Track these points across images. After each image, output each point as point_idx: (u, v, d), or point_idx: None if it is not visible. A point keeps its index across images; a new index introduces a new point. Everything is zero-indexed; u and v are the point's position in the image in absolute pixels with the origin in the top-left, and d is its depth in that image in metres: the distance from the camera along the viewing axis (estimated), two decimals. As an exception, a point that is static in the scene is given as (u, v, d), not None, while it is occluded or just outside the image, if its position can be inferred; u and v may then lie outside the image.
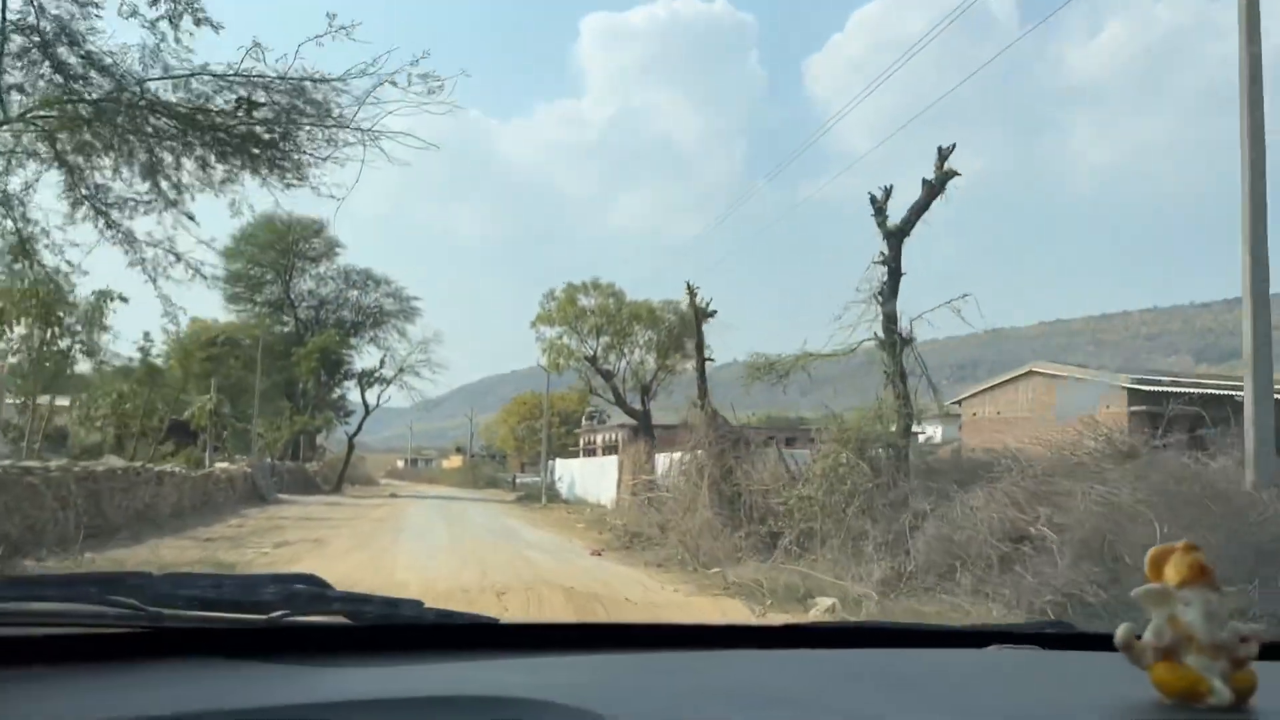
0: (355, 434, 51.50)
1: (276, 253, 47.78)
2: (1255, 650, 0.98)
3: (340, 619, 1.33)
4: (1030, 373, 28.90)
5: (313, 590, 1.36)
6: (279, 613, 1.25)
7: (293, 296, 49.32)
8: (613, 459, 39.49)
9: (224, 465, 30.59)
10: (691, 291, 18.31)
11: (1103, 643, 1.22)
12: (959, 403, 31.67)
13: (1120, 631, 1.01)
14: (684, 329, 31.41)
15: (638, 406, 33.96)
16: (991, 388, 30.79)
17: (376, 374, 48.75)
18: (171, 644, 1.20)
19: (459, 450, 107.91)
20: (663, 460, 24.00)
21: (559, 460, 49.32)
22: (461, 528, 23.16)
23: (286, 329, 49.09)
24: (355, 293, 50.84)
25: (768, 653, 1.52)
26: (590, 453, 50.71)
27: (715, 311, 18.12)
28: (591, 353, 34.03)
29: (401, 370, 49.15)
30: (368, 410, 49.55)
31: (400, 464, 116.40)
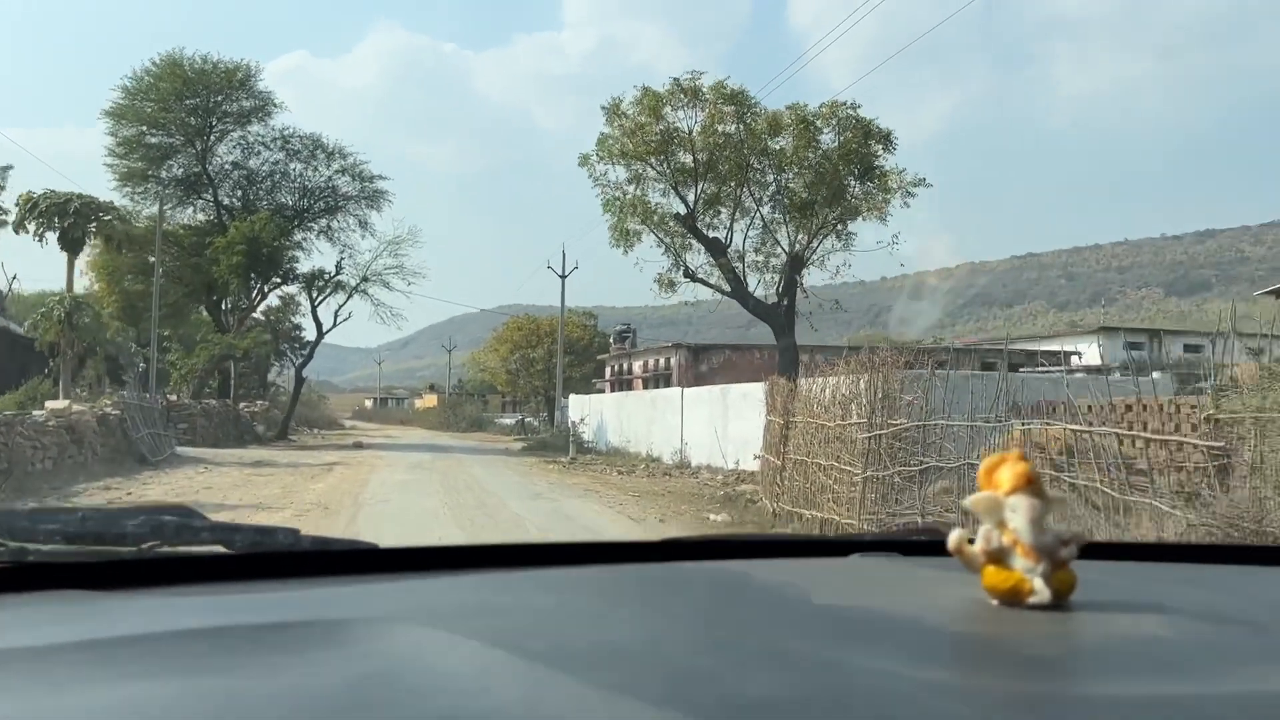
0: (304, 364, 38.52)
1: (186, 110, 34.00)
2: (1075, 552, 1.04)
3: (214, 548, 1.27)
4: None
5: (180, 520, 1.28)
6: (148, 544, 1.21)
7: (210, 171, 34.97)
8: (674, 391, 27.35)
9: (57, 405, 17.84)
10: None
11: None
12: None
13: (953, 537, 1.08)
14: (864, 148, 18.43)
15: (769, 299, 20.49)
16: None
17: (330, 279, 35.37)
18: (36, 578, 1.14)
19: (432, 388, 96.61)
20: (801, 387, 11.95)
21: (574, 396, 37.40)
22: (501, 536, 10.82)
23: (204, 217, 35.63)
24: (298, 166, 36.11)
25: (640, 566, 1.50)
26: (624, 385, 38.23)
27: None
28: (687, 209, 20.16)
29: (365, 278, 35.67)
30: (320, 329, 36.28)
31: (368, 404, 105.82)
